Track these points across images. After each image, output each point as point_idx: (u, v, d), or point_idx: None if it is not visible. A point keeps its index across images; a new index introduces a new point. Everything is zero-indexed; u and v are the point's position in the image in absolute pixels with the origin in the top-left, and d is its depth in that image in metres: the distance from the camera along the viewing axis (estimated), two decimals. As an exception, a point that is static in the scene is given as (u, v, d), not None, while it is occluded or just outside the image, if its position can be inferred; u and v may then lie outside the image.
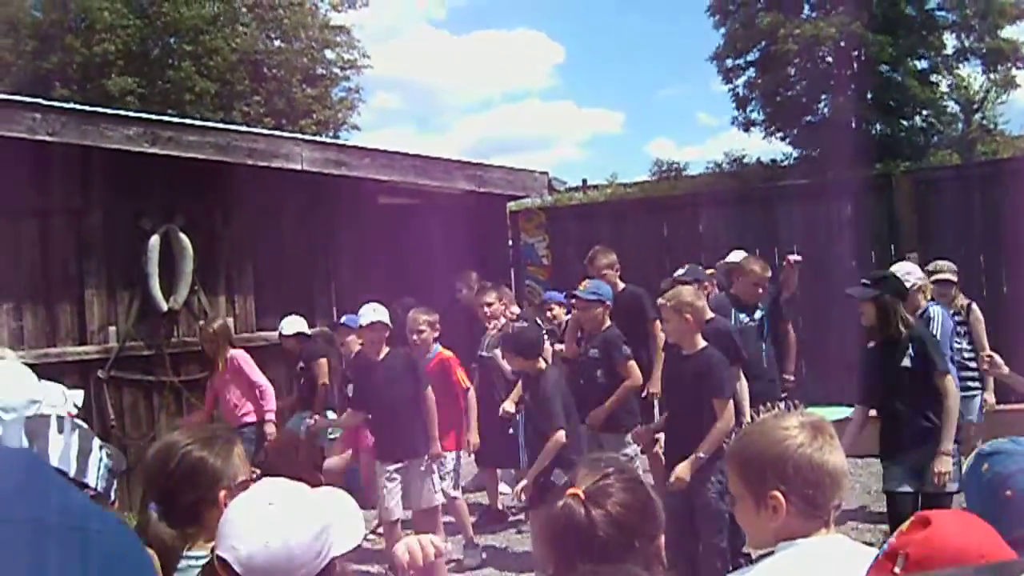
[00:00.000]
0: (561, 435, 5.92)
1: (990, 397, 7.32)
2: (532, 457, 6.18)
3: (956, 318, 7.27)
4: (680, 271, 7.64)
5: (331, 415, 8.08)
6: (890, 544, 1.62)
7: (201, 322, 8.59)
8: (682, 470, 5.47)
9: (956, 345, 7.15)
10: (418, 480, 6.68)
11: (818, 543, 2.11)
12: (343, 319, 7.95)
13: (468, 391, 7.35)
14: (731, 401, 5.56)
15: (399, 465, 6.71)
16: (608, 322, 6.74)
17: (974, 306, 7.44)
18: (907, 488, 5.52)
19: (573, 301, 6.96)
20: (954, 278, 7.35)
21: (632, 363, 6.69)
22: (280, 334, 8.44)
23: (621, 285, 7.53)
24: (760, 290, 7.13)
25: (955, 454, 5.51)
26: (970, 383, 7.13)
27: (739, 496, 2.22)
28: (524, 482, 6.08)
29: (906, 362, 5.52)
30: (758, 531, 2.22)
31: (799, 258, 7.52)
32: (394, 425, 6.74)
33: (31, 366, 2.89)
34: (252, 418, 7.91)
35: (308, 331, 8.46)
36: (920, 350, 5.53)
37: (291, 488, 2.07)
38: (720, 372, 5.58)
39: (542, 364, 6.26)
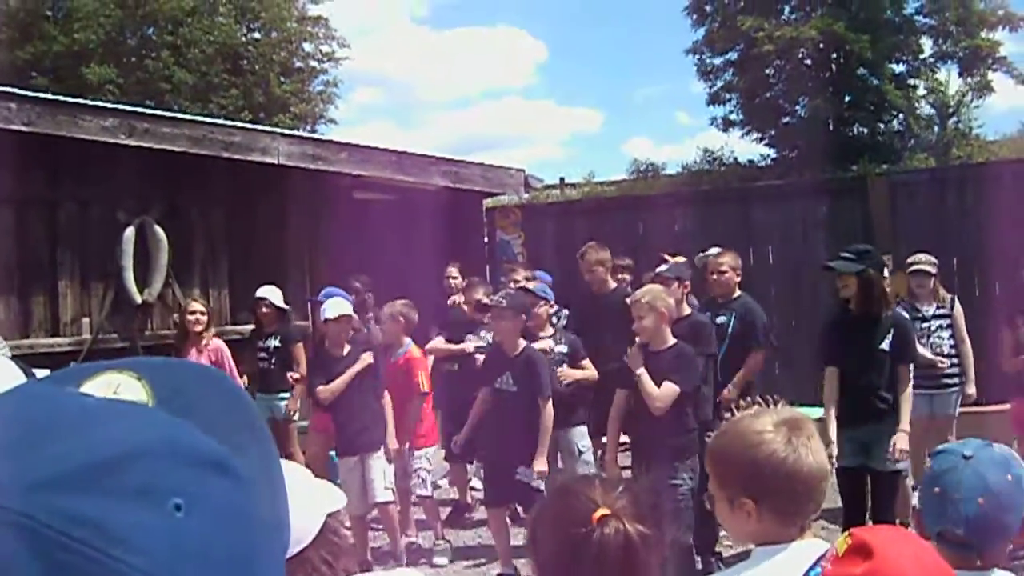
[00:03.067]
0: (550, 406, 6.01)
1: (970, 389, 7.32)
2: (502, 449, 6.24)
3: (940, 311, 7.33)
4: (663, 267, 7.14)
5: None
6: (825, 572, 1.58)
7: (181, 305, 8.52)
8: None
9: (936, 339, 7.22)
10: (371, 474, 6.74)
11: (794, 549, 2.05)
12: (321, 295, 7.69)
13: (425, 395, 7.26)
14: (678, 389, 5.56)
15: (356, 458, 6.81)
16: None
17: (957, 300, 7.48)
18: (855, 463, 5.67)
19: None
20: (931, 269, 7.34)
21: (587, 360, 6.78)
22: (258, 299, 8.29)
23: (612, 284, 7.54)
24: (718, 277, 6.97)
25: None
26: (947, 379, 7.18)
27: (716, 496, 2.18)
28: (541, 465, 6.05)
29: (884, 345, 5.70)
30: (735, 530, 2.21)
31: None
32: (352, 420, 6.82)
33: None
34: None
35: (285, 307, 8.33)
36: (900, 337, 5.76)
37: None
38: (689, 365, 5.67)
39: (522, 342, 6.33)
